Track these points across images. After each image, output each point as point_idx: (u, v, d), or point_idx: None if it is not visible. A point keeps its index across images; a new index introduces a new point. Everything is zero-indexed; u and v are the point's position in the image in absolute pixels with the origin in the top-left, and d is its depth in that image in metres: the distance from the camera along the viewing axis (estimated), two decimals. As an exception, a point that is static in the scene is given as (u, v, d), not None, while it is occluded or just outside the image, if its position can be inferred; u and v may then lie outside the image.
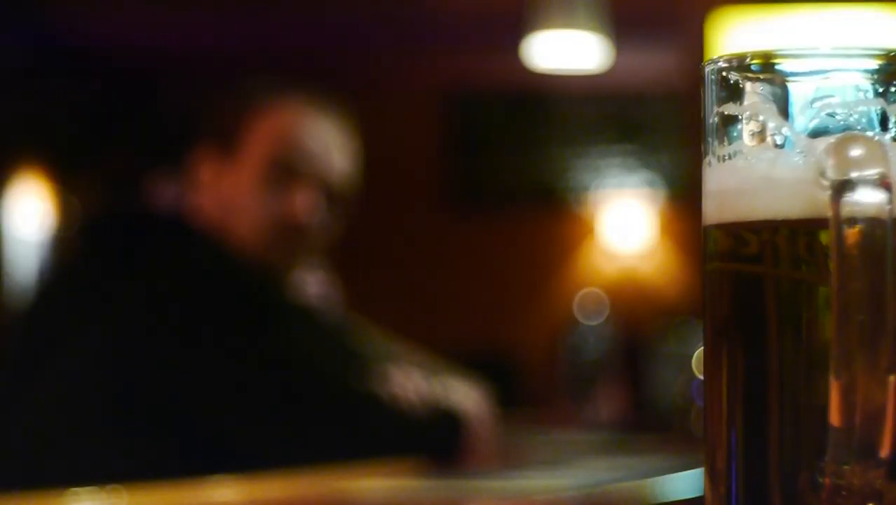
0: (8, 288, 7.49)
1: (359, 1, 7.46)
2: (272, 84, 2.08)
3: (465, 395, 2.06)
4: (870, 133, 0.56)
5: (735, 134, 0.57)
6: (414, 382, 1.97)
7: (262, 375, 1.84)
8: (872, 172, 0.54)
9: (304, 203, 2.02)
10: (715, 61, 0.58)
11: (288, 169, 2.02)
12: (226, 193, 2.02)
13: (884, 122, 0.56)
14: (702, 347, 0.67)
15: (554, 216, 9.72)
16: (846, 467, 0.54)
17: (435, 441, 1.94)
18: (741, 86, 0.57)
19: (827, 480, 0.55)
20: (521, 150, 9.80)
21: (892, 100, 0.56)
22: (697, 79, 0.59)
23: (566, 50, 4.32)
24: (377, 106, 7.98)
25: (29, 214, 7.94)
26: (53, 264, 2.34)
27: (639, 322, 5.25)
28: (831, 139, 0.55)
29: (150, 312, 1.86)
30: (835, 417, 0.55)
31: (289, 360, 1.86)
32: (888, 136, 0.56)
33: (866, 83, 0.56)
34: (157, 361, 1.82)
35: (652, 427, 3.15)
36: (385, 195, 8.83)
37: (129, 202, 2.41)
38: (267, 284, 1.92)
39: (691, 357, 2.81)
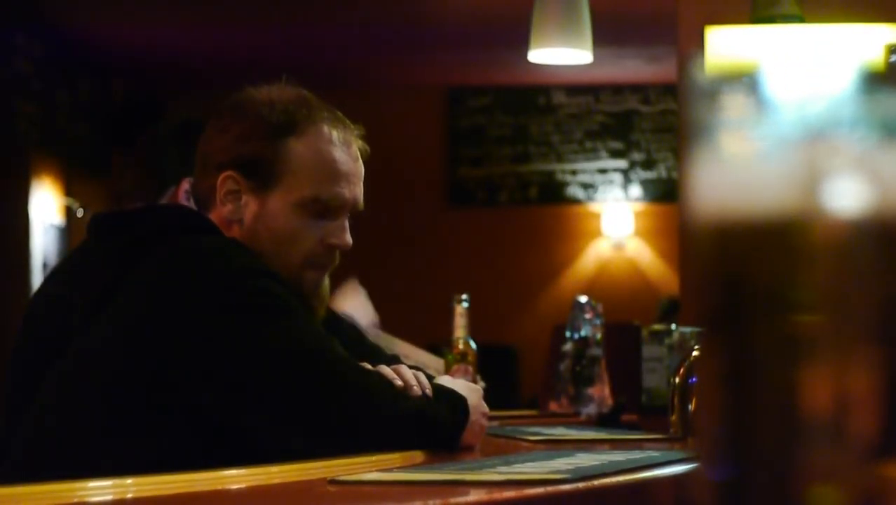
0: (30, 273, 7.51)
1: (361, 2, 7.45)
2: (300, 107, 2.05)
3: (457, 385, 2.10)
4: (849, 137, 0.59)
5: (720, 139, 0.60)
6: (412, 376, 2.01)
7: (276, 366, 1.87)
8: (849, 176, 0.58)
9: (339, 231, 2.05)
10: (704, 69, 0.62)
11: (325, 203, 2.03)
12: (260, 226, 2.01)
13: (861, 128, 0.60)
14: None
15: (554, 215, 9.72)
16: (827, 453, 0.58)
17: (449, 424, 1.98)
18: (727, 93, 0.60)
19: (808, 466, 0.58)
20: (521, 149, 9.79)
21: (869, 107, 0.60)
22: (688, 85, 0.62)
23: (566, 52, 4.35)
24: (378, 105, 7.99)
25: (46, 206, 7.95)
26: (67, 255, 2.31)
27: (637, 317, 5.28)
28: (812, 144, 0.59)
29: (162, 301, 1.88)
30: (814, 406, 0.58)
31: (303, 350, 1.89)
32: (865, 142, 0.59)
33: (847, 91, 0.59)
34: (167, 351, 1.85)
35: (651, 423, 3.18)
36: (385, 194, 8.82)
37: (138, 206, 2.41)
38: (280, 280, 1.94)
39: (691, 352, 2.83)
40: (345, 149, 2.06)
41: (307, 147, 2.03)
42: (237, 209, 2.02)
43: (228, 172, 2.02)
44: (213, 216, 2.02)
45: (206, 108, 2.25)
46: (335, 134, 2.05)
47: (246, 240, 2.00)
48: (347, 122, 2.09)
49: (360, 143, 2.10)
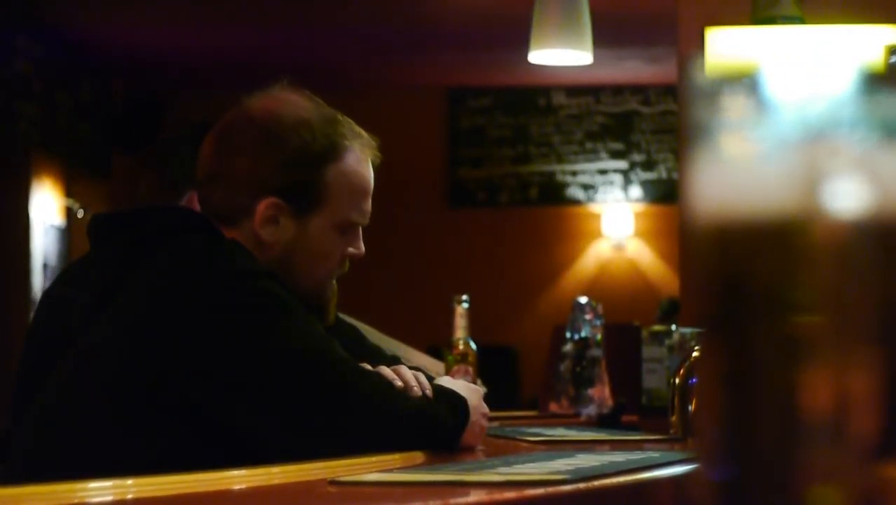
0: (30, 273, 7.52)
1: (362, 2, 7.45)
2: (336, 128, 2.06)
3: (457, 386, 2.10)
4: (849, 138, 0.59)
5: (720, 140, 0.61)
6: (413, 376, 2.01)
7: (276, 366, 1.87)
8: (849, 177, 0.58)
9: (357, 241, 2.10)
10: (704, 70, 0.62)
11: (357, 222, 2.08)
12: (297, 247, 2.03)
13: (861, 129, 0.60)
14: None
15: (554, 215, 9.72)
16: (827, 454, 0.58)
17: (449, 424, 1.98)
18: (727, 94, 0.60)
19: (809, 466, 0.58)
20: (521, 150, 9.80)
21: (869, 108, 0.60)
22: (688, 86, 0.62)
23: (566, 53, 4.36)
24: (378, 106, 7.98)
25: (47, 207, 7.96)
26: (79, 258, 2.30)
27: (637, 318, 5.28)
28: (812, 145, 0.59)
29: (162, 300, 1.88)
30: (815, 406, 0.58)
31: (303, 351, 1.89)
32: (865, 143, 0.59)
33: (847, 92, 0.60)
34: (167, 351, 1.85)
35: (652, 424, 3.18)
36: (386, 195, 8.80)
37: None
38: (280, 281, 1.94)
39: (691, 353, 2.83)
40: (368, 165, 2.11)
41: (346, 171, 2.06)
42: (274, 232, 2.03)
43: (271, 199, 2.01)
44: (240, 234, 2.01)
45: (205, 109, 2.24)
46: (363, 153, 2.09)
47: (280, 260, 2.01)
48: (363, 132, 2.11)
49: (374, 153, 2.12)
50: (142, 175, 2.67)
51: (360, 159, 2.08)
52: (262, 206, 2.01)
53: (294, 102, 2.06)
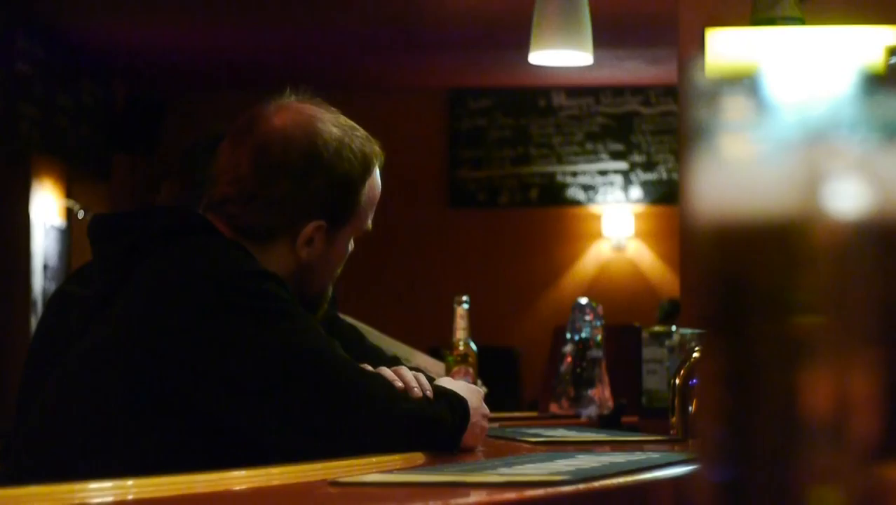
0: (30, 274, 7.53)
1: (362, 3, 7.45)
2: (366, 145, 2.09)
3: (457, 386, 2.10)
4: (849, 139, 0.60)
5: (721, 141, 0.61)
6: (413, 377, 2.01)
7: (277, 367, 1.87)
8: (849, 178, 0.58)
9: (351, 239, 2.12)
10: (704, 71, 0.62)
11: (368, 230, 2.12)
12: (321, 261, 2.06)
13: (862, 130, 0.60)
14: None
15: (554, 216, 9.72)
16: (827, 455, 0.58)
17: (449, 425, 1.98)
18: (728, 95, 0.61)
19: (809, 468, 0.58)
20: (521, 150, 9.80)
21: (869, 109, 0.60)
22: (689, 87, 0.62)
23: (567, 54, 4.36)
24: (379, 107, 7.99)
25: (47, 207, 7.97)
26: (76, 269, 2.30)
27: (637, 319, 5.29)
28: (812, 146, 0.59)
29: (163, 301, 1.88)
30: (815, 408, 0.58)
31: (304, 352, 1.89)
32: (865, 144, 0.60)
33: (847, 94, 0.60)
34: (167, 352, 1.85)
35: (652, 425, 3.18)
36: (386, 196, 8.78)
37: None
38: (281, 283, 1.94)
39: (691, 354, 2.83)
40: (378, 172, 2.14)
41: (372, 185, 2.11)
42: (311, 251, 2.05)
43: (318, 223, 2.04)
44: (263, 250, 2.01)
45: (206, 109, 2.25)
46: (377, 161, 2.12)
47: (304, 271, 2.04)
48: (371, 138, 2.12)
49: (381, 159, 2.13)
50: (162, 183, 2.68)
51: (377, 170, 2.11)
52: (310, 229, 2.03)
53: (323, 119, 2.06)
